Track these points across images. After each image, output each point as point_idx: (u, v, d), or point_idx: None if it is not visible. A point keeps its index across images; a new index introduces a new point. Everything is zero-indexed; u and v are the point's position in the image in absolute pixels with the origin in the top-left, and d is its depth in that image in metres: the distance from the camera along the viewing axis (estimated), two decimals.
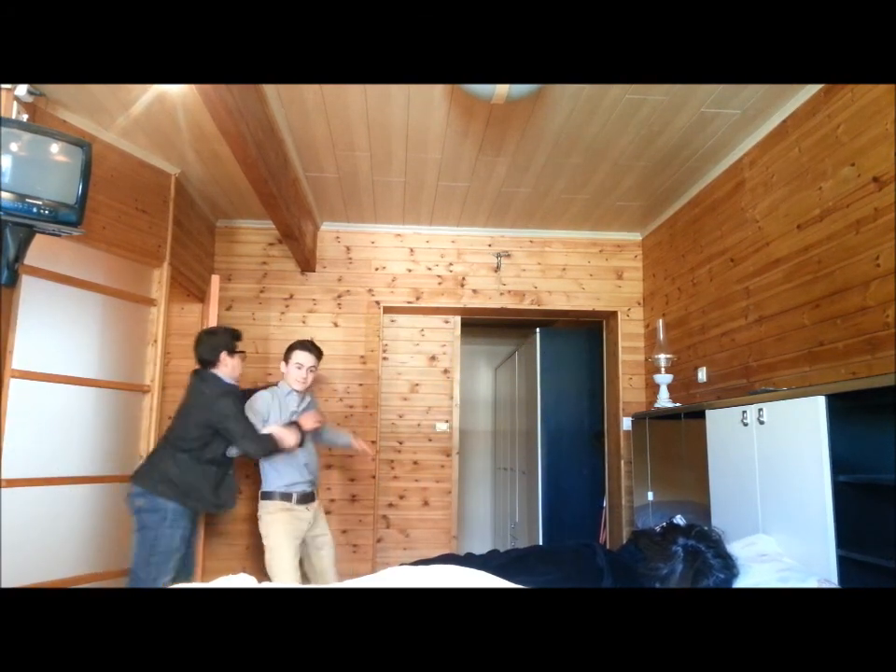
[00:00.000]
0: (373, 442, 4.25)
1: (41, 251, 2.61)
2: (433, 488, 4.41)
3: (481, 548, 3.51)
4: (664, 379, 3.54)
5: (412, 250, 4.45)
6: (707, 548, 1.95)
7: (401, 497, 4.38)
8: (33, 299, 2.67)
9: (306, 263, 4.19)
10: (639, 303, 4.44)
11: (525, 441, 5.02)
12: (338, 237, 4.43)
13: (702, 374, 3.49)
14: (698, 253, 3.61)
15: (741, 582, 1.93)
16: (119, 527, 3.18)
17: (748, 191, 3.09)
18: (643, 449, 3.58)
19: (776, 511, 2.20)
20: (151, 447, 3.26)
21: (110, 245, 3.05)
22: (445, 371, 4.50)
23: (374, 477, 4.26)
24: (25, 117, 2.50)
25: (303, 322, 4.32)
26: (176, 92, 2.69)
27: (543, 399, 4.61)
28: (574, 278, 4.45)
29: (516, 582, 1.62)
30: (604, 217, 4.21)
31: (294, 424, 3.05)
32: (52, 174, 2.37)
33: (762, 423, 2.29)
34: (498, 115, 2.92)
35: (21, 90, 2.47)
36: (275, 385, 3.24)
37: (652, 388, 3.99)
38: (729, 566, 1.94)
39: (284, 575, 2.89)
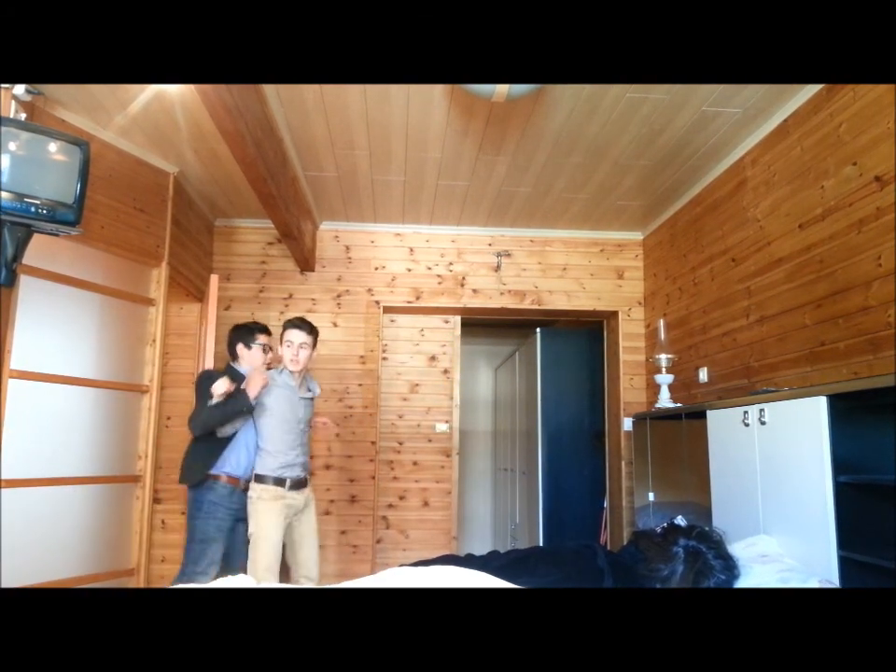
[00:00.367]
0: (373, 443, 4.25)
1: (39, 251, 2.61)
2: (433, 489, 4.40)
3: (481, 549, 3.51)
4: (664, 379, 3.54)
5: (411, 250, 4.45)
6: (708, 549, 1.95)
7: (401, 498, 4.37)
8: (31, 298, 2.67)
9: (305, 263, 4.19)
10: (640, 303, 4.43)
11: (526, 442, 5.02)
12: (337, 236, 4.42)
13: (703, 374, 3.49)
14: (699, 252, 3.61)
15: (742, 583, 1.93)
16: (119, 527, 3.19)
17: (749, 191, 3.09)
18: (644, 449, 3.57)
19: (777, 512, 2.20)
20: (150, 447, 3.26)
21: (108, 244, 3.04)
22: (445, 372, 4.49)
23: (374, 478, 4.25)
24: (23, 116, 2.49)
25: None
26: (175, 91, 2.69)
27: (544, 400, 4.61)
28: (575, 278, 4.44)
29: (517, 583, 1.61)
30: (605, 217, 4.21)
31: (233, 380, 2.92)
32: (50, 173, 2.37)
33: (763, 423, 2.28)
34: (498, 114, 2.91)
35: (20, 89, 2.46)
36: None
37: (653, 388, 3.99)
38: (730, 566, 1.94)
39: (263, 571, 2.78)
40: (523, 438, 5.15)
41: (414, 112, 2.93)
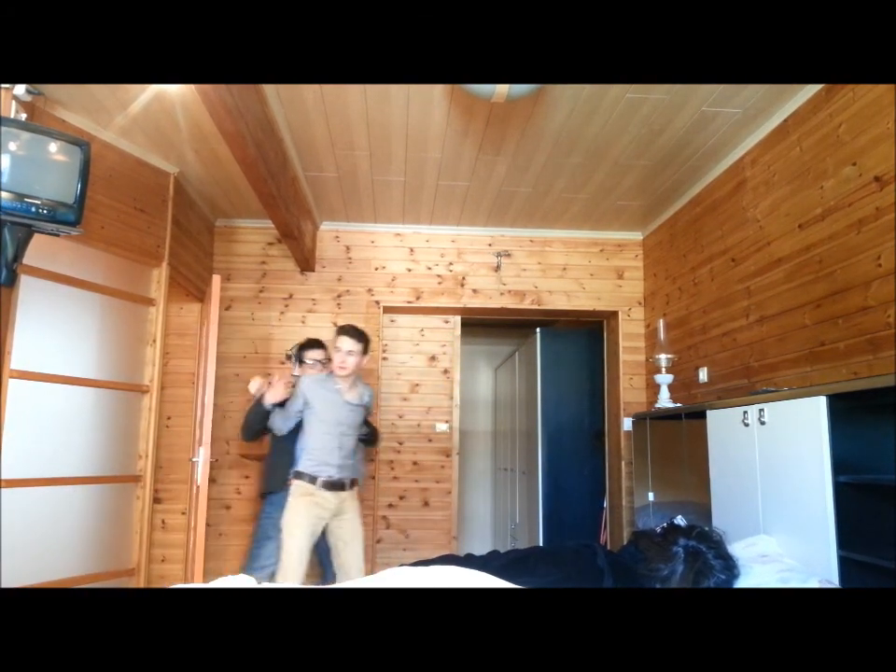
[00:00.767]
0: None
1: (40, 251, 2.61)
2: (433, 489, 4.40)
3: (481, 549, 3.51)
4: (664, 379, 3.54)
5: (411, 250, 4.45)
6: (708, 549, 1.95)
7: (401, 498, 4.37)
8: (31, 298, 2.67)
9: (305, 263, 4.19)
10: (640, 303, 4.43)
11: (526, 442, 5.02)
12: (337, 237, 4.42)
13: (703, 374, 3.49)
14: (699, 252, 3.61)
15: (742, 583, 1.93)
16: (119, 527, 3.19)
17: (749, 191, 3.09)
18: (644, 449, 3.57)
19: (776, 512, 2.20)
20: (151, 447, 3.26)
21: (109, 244, 3.04)
22: (445, 372, 4.49)
23: (374, 477, 4.25)
24: (24, 116, 2.49)
25: (303, 322, 4.32)
26: (175, 92, 2.69)
27: (543, 400, 4.61)
28: (574, 278, 4.44)
29: (517, 583, 1.61)
30: (604, 217, 4.21)
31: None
32: (51, 173, 2.37)
33: (763, 423, 2.28)
34: (498, 114, 2.91)
35: (20, 89, 2.46)
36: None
37: (653, 388, 3.99)
38: (730, 566, 1.94)
39: (289, 569, 2.85)
40: (523, 438, 5.15)
41: (414, 112, 2.93)
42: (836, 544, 1.88)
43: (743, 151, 3.14)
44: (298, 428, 3.06)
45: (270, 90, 2.75)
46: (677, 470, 3.15)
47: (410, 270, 4.42)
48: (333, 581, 2.97)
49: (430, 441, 4.43)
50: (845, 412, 1.94)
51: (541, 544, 4.37)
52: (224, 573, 2.24)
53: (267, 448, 3.40)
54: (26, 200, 2.27)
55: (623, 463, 4.19)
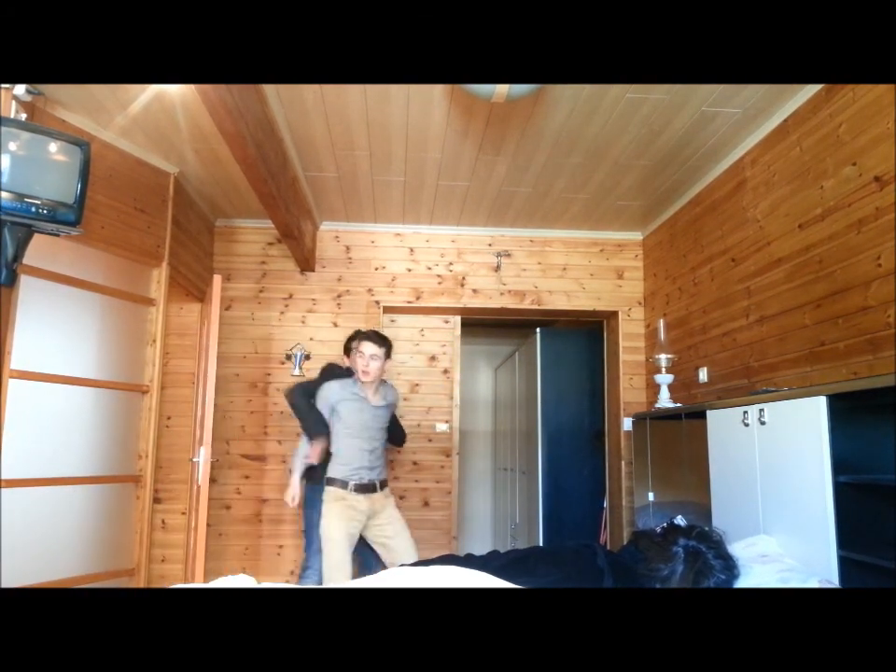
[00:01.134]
0: None
1: (39, 251, 2.61)
2: (433, 489, 4.40)
3: (481, 549, 3.51)
4: (664, 379, 3.54)
5: (411, 250, 4.45)
6: (708, 549, 1.94)
7: (401, 498, 4.37)
8: (31, 298, 2.67)
9: (305, 263, 4.19)
10: (640, 303, 4.43)
11: (526, 442, 5.02)
12: (337, 237, 4.42)
13: (703, 374, 3.49)
14: (699, 252, 3.61)
15: (742, 583, 1.93)
16: (119, 527, 3.19)
17: (749, 191, 3.09)
18: (644, 449, 3.57)
19: (776, 512, 2.20)
20: (151, 447, 3.26)
21: (109, 244, 3.05)
22: (445, 372, 4.49)
23: None
24: (24, 116, 2.49)
25: (303, 322, 4.32)
26: (175, 92, 2.69)
27: (543, 400, 4.61)
28: (574, 278, 4.44)
29: (517, 583, 1.61)
30: (604, 217, 4.21)
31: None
32: (51, 173, 2.37)
33: (763, 423, 2.28)
34: (498, 114, 2.91)
35: (20, 89, 2.46)
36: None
37: (653, 388, 3.99)
38: (730, 566, 1.94)
39: (333, 570, 2.92)
40: (523, 438, 5.15)
41: (414, 112, 2.93)
42: (836, 544, 1.88)
43: (743, 151, 3.14)
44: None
45: (270, 90, 2.75)
46: (677, 470, 3.14)
47: (410, 270, 4.42)
48: None
49: (430, 441, 4.43)
50: (845, 412, 1.93)
51: (541, 544, 4.37)
52: (224, 573, 2.25)
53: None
54: (26, 200, 2.27)
55: (623, 463, 4.19)
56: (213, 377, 3.64)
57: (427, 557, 2.31)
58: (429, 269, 4.43)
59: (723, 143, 3.15)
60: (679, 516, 2.26)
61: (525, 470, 5.01)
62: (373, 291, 4.38)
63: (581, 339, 4.80)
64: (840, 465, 1.91)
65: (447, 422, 4.46)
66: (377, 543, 3.12)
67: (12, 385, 2.58)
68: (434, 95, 2.79)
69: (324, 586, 2.66)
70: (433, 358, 4.50)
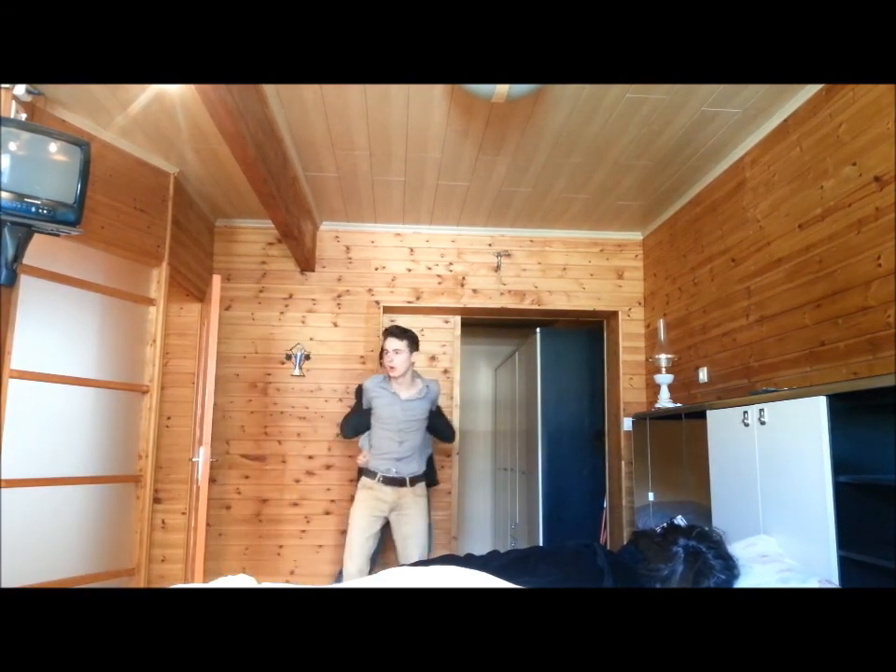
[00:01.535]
0: None
1: (39, 251, 2.61)
2: (433, 489, 4.39)
3: (481, 549, 3.51)
4: (664, 379, 3.54)
5: (411, 250, 4.45)
6: (708, 549, 1.95)
7: None
8: (31, 298, 2.67)
9: (305, 263, 4.19)
10: (640, 303, 4.43)
11: (526, 442, 5.02)
12: (337, 237, 4.42)
13: (703, 374, 3.49)
14: (699, 252, 3.61)
15: (742, 583, 1.93)
16: (119, 527, 3.19)
17: (749, 191, 3.09)
18: (644, 449, 3.57)
19: (776, 512, 2.20)
20: (151, 447, 3.26)
21: (109, 244, 3.04)
22: (445, 371, 4.49)
23: None
24: (24, 116, 2.49)
25: (303, 322, 4.32)
26: (175, 92, 2.69)
27: (543, 400, 4.61)
28: (574, 278, 4.44)
29: (517, 583, 1.61)
30: (604, 217, 4.21)
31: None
32: (51, 173, 2.37)
33: (763, 423, 2.28)
34: (498, 114, 2.91)
35: (20, 89, 2.46)
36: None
37: (653, 388, 3.99)
38: (730, 566, 1.94)
39: (348, 558, 3.21)
40: (523, 438, 5.15)
41: (414, 112, 2.93)
42: (836, 544, 1.88)
43: (743, 151, 3.14)
44: None
45: (270, 90, 2.75)
46: (677, 470, 3.14)
47: (410, 270, 4.42)
48: None
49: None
50: (845, 412, 1.93)
51: (541, 544, 4.37)
52: (224, 573, 2.24)
53: None
54: (26, 200, 2.27)
55: (623, 463, 4.19)
56: (213, 377, 3.64)
57: (427, 557, 2.31)
58: (429, 269, 4.43)
59: (723, 143, 3.15)
60: (679, 516, 2.26)
61: (525, 470, 5.01)
62: (373, 291, 4.38)
63: (580, 339, 4.80)
64: (840, 465, 1.91)
65: None
66: (394, 538, 3.30)
67: (12, 385, 2.58)
68: (434, 95, 2.79)
69: (340, 581, 2.79)
70: (433, 358, 4.50)
